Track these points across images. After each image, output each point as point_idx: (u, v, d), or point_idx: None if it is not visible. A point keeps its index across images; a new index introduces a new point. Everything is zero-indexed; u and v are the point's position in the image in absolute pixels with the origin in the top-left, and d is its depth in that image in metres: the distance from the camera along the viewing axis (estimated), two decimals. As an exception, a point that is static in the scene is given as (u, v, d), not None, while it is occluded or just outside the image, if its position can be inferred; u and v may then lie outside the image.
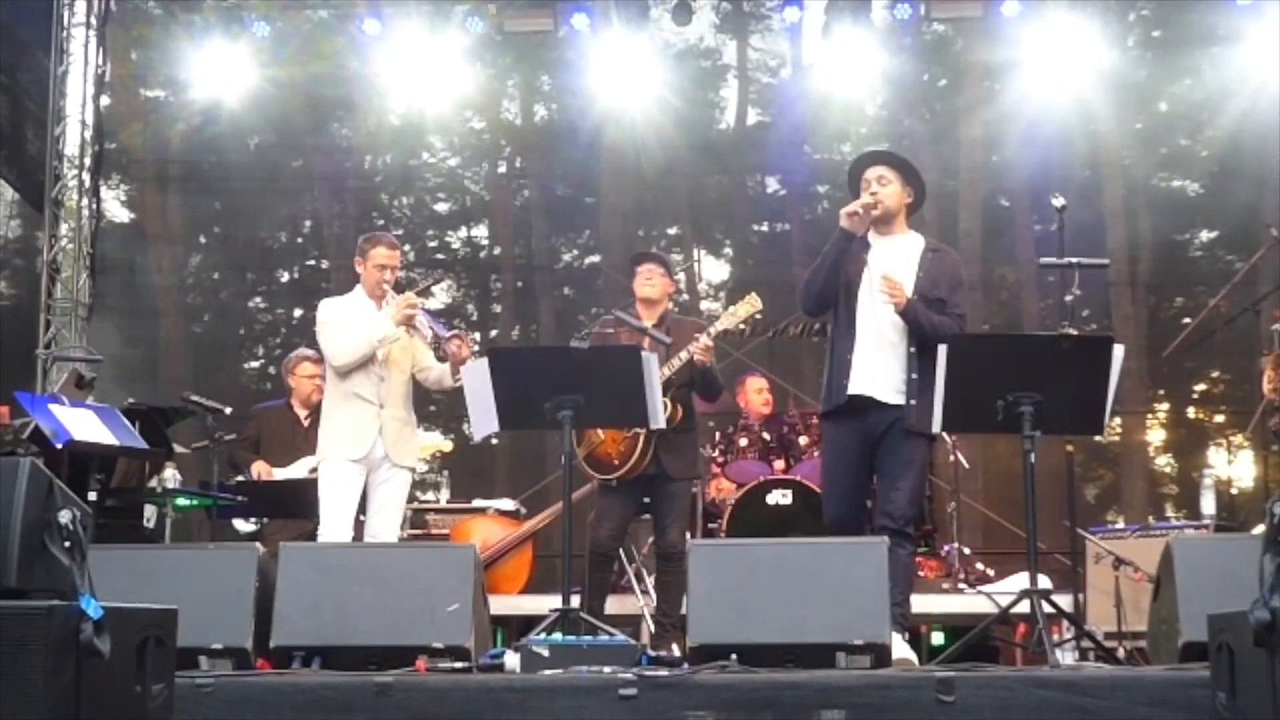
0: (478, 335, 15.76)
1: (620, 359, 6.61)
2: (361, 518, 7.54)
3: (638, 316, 7.72)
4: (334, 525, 7.27)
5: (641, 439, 7.38)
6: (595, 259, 15.40)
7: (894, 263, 6.60)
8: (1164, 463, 17.06)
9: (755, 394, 10.16)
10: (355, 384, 7.42)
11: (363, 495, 7.47)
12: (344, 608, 5.81)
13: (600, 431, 7.55)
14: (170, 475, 8.25)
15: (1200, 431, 16.59)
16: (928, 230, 14.38)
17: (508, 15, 11.86)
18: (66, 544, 3.82)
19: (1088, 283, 7.39)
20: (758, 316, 7.85)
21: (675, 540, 7.64)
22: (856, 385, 6.52)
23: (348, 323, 7.48)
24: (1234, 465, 13.46)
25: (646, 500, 7.85)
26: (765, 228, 16.24)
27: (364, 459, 7.36)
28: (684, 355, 7.45)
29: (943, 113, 15.13)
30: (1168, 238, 15.29)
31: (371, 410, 7.40)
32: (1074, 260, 7.05)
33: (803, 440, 9.73)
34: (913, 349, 6.49)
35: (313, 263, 15.19)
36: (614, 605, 8.24)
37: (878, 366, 6.52)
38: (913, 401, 6.45)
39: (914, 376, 6.46)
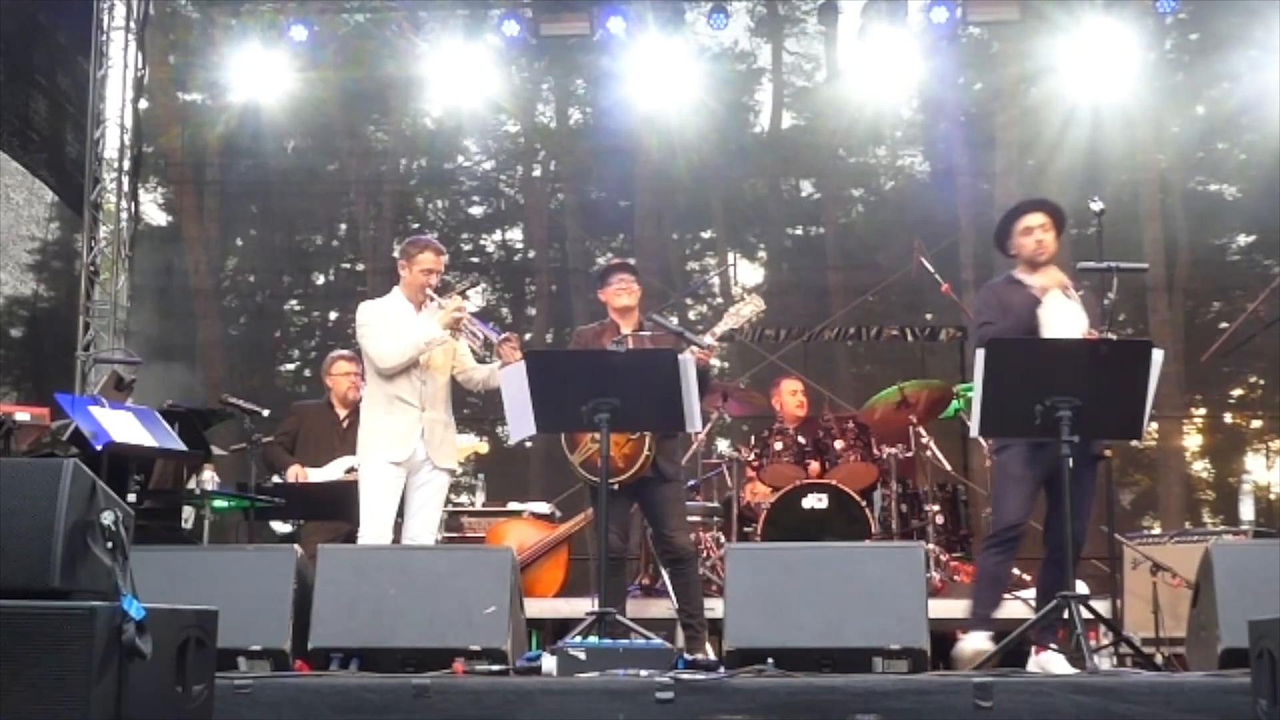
0: (515, 336, 15.79)
1: (657, 362, 6.60)
2: (398, 520, 7.55)
3: (602, 330, 7.68)
4: (374, 527, 7.28)
5: (646, 443, 7.35)
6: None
7: (1062, 303, 6.85)
8: (1201, 468, 16.98)
9: (789, 396, 10.15)
10: (397, 387, 7.42)
11: (400, 497, 7.48)
12: (381, 610, 5.83)
13: (597, 436, 7.52)
14: (208, 477, 8.29)
15: (1238, 436, 16.51)
16: (963, 236, 14.52)
17: (543, 19, 11.88)
18: (109, 545, 3.85)
19: (1124, 287, 7.35)
20: (760, 316, 7.82)
21: (684, 543, 7.61)
22: None
23: (390, 326, 7.50)
24: (1272, 470, 13.39)
25: (634, 506, 7.83)
26: (800, 231, 16.26)
27: (405, 462, 7.38)
28: (693, 350, 7.42)
29: (978, 116, 15.11)
30: (1205, 242, 15.23)
31: (413, 413, 7.41)
32: (1112, 264, 7.01)
33: (838, 444, 9.70)
34: None
35: (348, 265, 15.28)
36: (648, 609, 8.24)
37: None
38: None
39: None
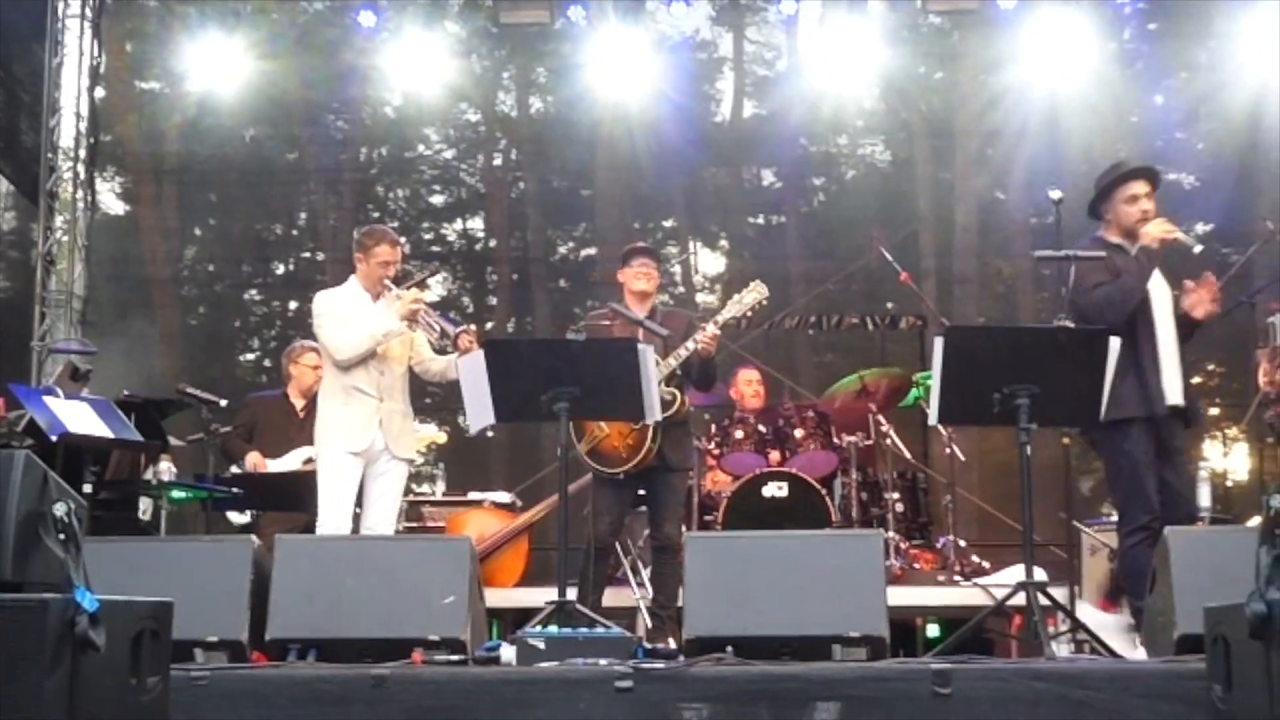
0: (473, 328, 15.74)
1: (616, 352, 6.60)
2: (357, 510, 7.52)
3: (614, 313, 7.72)
4: (333, 517, 7.26)
5: (650, 431, 7.40)
6: (591, 251, 15.41)
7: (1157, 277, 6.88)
8: (1160, 455, 17.03)
9: (746, 385, 10.15)
10: (354, 377, 7.40)
11: (359, 487, 7.45)
12: (339, 600, 5.80)
13: (604, 424, 7.56)
14: (165, 468, 8.21)
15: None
16: (923, 225, 14.55)
17: (503, 7, 11.83)
18: (61, 536, 3.81)
19: (1084, 276, 7.38)
20: (763, 303, 7.85)
21: (672, 533, 7.66)
22: (1173, 395, 6.71)
23: (347, 317, 7.46)
24: (1229, 458, 13.48)
25: (642, 492, 7.87)
26: (761, 220, 16.25)
27: (364, 452, 7.35)
28: (690, 345, 7.48)
29: (939, 106, 15.13)
30: (1164, 230, 15.26)
31: (371, 403, 7.38)
32: (1070, 253, 7.03)
33: (798, 433, 9.71)
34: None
35: (308, 255, 15.21)
36: (609, 598, 8.24)
37: (1174, 373, 6.77)
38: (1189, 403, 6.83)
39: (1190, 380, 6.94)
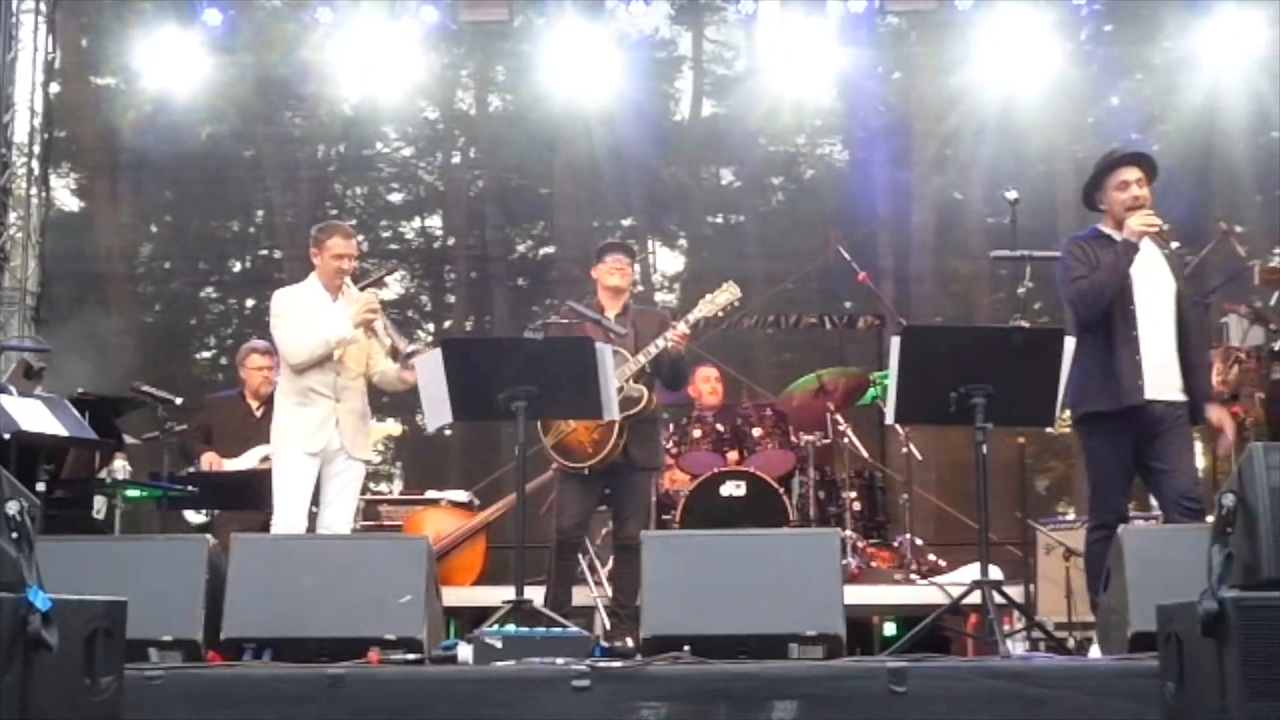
0: (431, 326, 15.72)
1: (574, 350, 6.61)
2: (313, 509, 7.50)
3: (598, 306, 7.72)
4: (288, 517, 7.24)
5: (616, 428, 7.38)
6: (549, 250, 15.37)
7: (1151, 259, 6.70)
8: (1115, 454, 17.15)
9: (703, 383, 10.17)
10: (310, 379, 7.37)
11: (315, 487, 7.43)
12: (296, 599, 5.78)
13: (571, 421, 7.55)
14: (120, 466, 8.17)
15: (1150, 423, 16.69)
16: (881, 225, 14.59)
17: (462, 5, 11.79)
18: (14, 535, 3.78)
19: (1039, 275, 7.43)
20: (736, 304, 7.85)
21: (634, 532, 7.62)
22: (1152, 389, 6.51)
23: (303, 317, 7.43)
24: (1184, 457, 13.55)
25: (607, 491, 7.85)
26: (720, 219, 16.25)
27: (320, 452, 7.33)
28: (660, 343, 7.48)
29: (896, 105, 15.17)
30: (1120, 231, 15.37)
31: (328, 404, 7.36)
32: (1026, 253, 7.07)
33: (756, 431, 9.74)
34: (1179, 341, 6.69)
35: (265, 253, 15.09)
36: (568, 596, 8.23)
37: (1163, 367, 6.58)
38: (1187, 398, 6.64)
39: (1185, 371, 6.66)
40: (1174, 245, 6.85)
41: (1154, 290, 6.64)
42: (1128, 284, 6.55)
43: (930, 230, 14.64)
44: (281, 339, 7.47)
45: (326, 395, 7.37)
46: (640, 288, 14.98)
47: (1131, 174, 6.73)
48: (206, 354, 15.62)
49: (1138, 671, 4.88)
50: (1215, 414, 6.73)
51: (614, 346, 7.24)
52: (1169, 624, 4.24)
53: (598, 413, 6.61)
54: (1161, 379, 6.54)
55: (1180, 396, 6.59)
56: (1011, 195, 7.35)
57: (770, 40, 12.64)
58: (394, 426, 10.63)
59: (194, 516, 9.04)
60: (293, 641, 5.66)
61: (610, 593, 8.09)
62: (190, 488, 8.47)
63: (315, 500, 7.44)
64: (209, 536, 6.25)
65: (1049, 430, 11.25)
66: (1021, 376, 6.05)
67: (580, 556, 8.70)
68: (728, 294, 7.68)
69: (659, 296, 15.23)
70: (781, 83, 13.03)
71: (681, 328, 7.49)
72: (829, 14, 11.71)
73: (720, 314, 8.01)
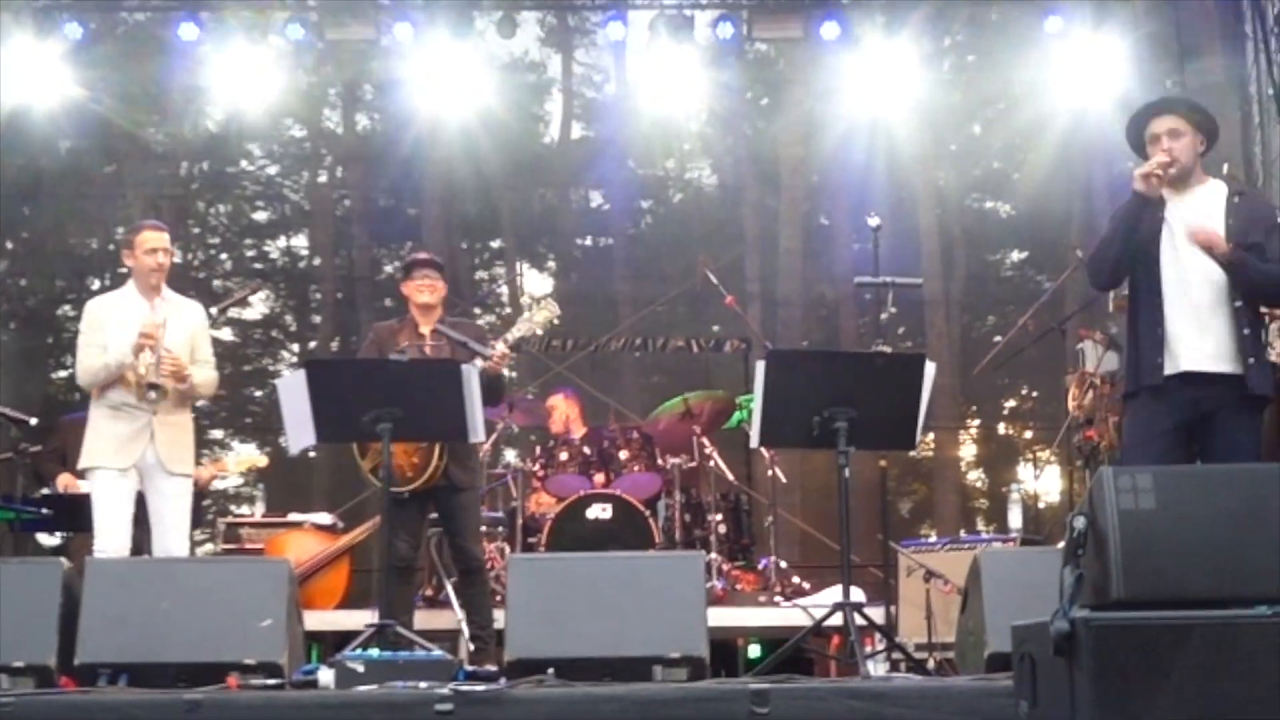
0: (296, 346, 15.57)
1: (440, 373, 6.57)
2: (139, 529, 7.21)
3: (399, 327, 7.61)
4: (110, 539, 6.93)
5: (436, 450, 7.29)
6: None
7: (1197, 217, 5.80)
8: (975, 477, 17.54)
9: (552, 409, 10.22)
10: (121, 392, 7.06)
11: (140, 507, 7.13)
12: (153, 623, 5.66)
13: None
14: (-29, 488, 7.98)
15: (1010, 447, 17.09)
16: (749, 249, 14.73)
17: (329, 23, 11.68)
18: None
19: (903, 301, 7.54)
20: (555, 322, 7.78)
21: (476, 553, 7.59)
22: (1177, 361, 5.75)
23: (107, 329, 7.12)
24: (1041, 480, 13.88)
25: (434, 515, 7.78)
26: (589, 242, 16.35)
27: (133, 467, 7.04)
28: (478, 363, 7.32)
29: (764, 131, 15.37)
30: (980, 258, 15.72)
31: (144, 417, 7.05)
32: (888, 279, 7.17)
33: (623, 454, 9.75)
34: (1238, 303, 5.74)
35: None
36: (431, 620, 8.18)
37: (1197, 335, 5.76)
38: (1251, 360, 5.72)
39: (1246, 332, 5.73)
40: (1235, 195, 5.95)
41: (1189, 251, 5.79)
42: (1153, 244, 5.83)
43: (797, 255, 14.84)
44: (77, 359, 7.18)
45: (141, 408, 7.04)
46: (508, 309, 14.99)
47: (1161, 125, 5.88)
48: (63, 373, 15.30)
49: (994, 691, 4.95)
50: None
51: None
52: (1023, 644, 4.31)
53: (464, 435, 6.57)
54: (1199, 349, 5.75)
55: (1231, 368, 5.73)
56: (874, 221, 7.43)
57: (639, 65, 12.71)
58: (260, 458, 10.41)
59: (48, 539, 8.84)
60: (149, 667, 5.54)
61: (465, 616, 8.00)
62: (44, 510, 8.29)
63: (140, 521, 7.16)
64: (63, 559, 6.10)
65: (911, 454, 11.47)
66: (884, 401, 6.12)
67: (446, 580, 8.65)
68: (546, 312, 7.61)
69: (528, 319, 15.21)
70: (651, 107, 13.11)
71: (500, 347, 7.38)
72: (698, 39, 11.78)
73: (539, 331, 7.89)
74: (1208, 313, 5.76)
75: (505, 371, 7.67)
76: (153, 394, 6.96)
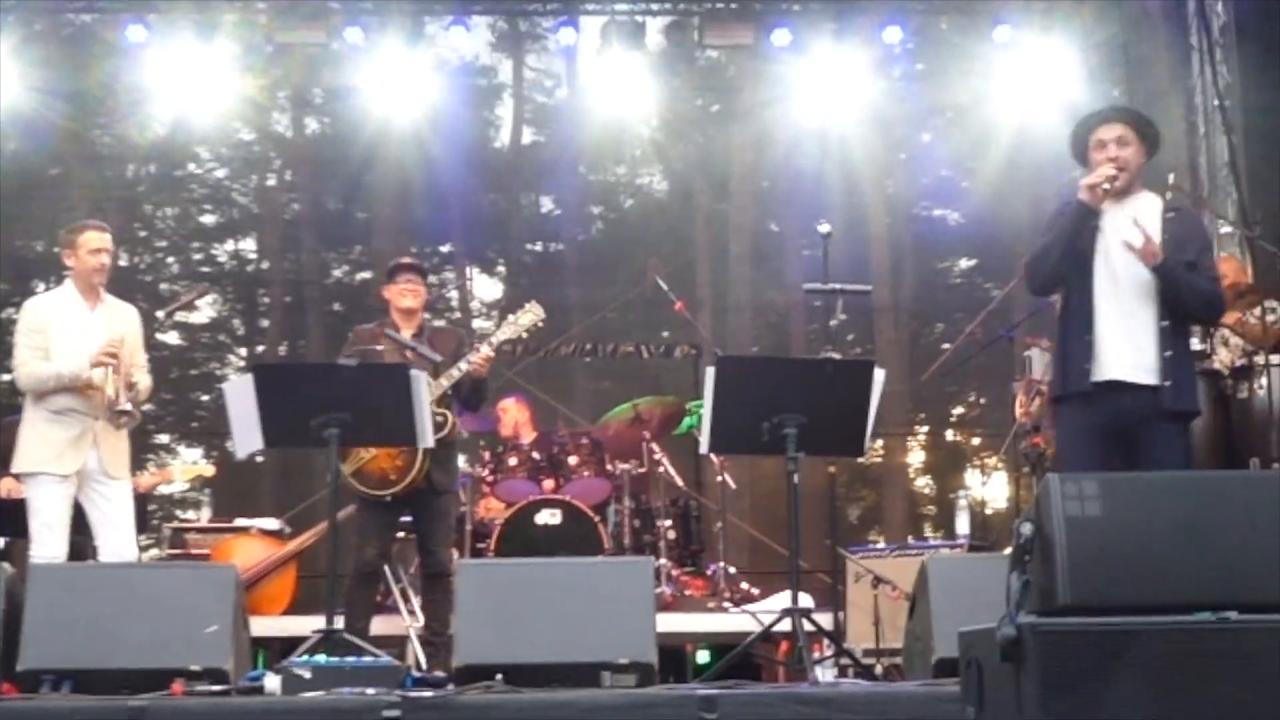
0: (244, 350, 15.48)
1: (389, 377, 6.53)
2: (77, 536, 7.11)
3: (393, 327, 7.61)
4: (48, 546, 6.80)
5: (420, 453, 7.28)
6: (367, 275, 15.27)
7: (1132, 228, 5.80)
8: (923, 484, 17.62)
9: (504, 414, 10.21)
10: (65, 397, 6.93)
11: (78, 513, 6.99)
12: (97, 629, 5.61)
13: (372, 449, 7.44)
14: (-89, 492, 7.88)
15: (958, 453, 17.18)
16: (699, 254, 14.76)
17: (279, 26, 11.61)
18: None
19: (852, 308, 7.56)
20: (540, 325, 7.78)
21: (445, 559, 7.58)
22: (1103, 369, 5.78)
23: (46, 337, 6.96)
24: (988, 486, 13.96)
25: (407, 518, 7.76)
26: (539, 247, 16.34)
27: (74, 474, 6.91)
28: (463, 366, 7.37)
29: (715, 137, 15.40)
30: (929, 265, 15.80)
31: (85, 422, 6.93)
32: (837, 286, 7.18)
33: (572, 460, 9.75)
34: (1165, 323, 5.78)
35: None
36: (379, 626, 8.14)
37: (1125, 345, 5.79)
38: (1168, 383, 5.73)
39: (1168, 354, 5.75)
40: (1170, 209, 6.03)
41: (1131, 260, 5.82)
42: (1088, 252, 5.87)
43: (747, 261, 14.88)
44: (16, 360, 6.97)
45: (84, 412, 6.93)
46: (458, 314, 14.96)
47: (1109, 132, 5.94)
48: (6, 376, 15.14)
49: (941, 696, 4.97)
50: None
51: (419, 371, 7.22)
52: (970, 649, 4.33)
53: (412, 440, 6.54)
54: (1126, 359, 5.79)
55: (1155, 380, 5.76)
56: (824, 228, 7.42)
57: (591, 70, 12.71)
58: (207, 467, 10.28)
59: (-11, 544, 8.73)
60: (93, 673, 5.49)
61: (423, 621, 7.99)
62: (-14, 514, 8.19)
63: (80, 529, 7.05)
64: (5, 564, 6.04)
65: (860, 460, 11.50)
66: (833, 407, 6.13)
67: (394, 585, 8.63)
68: (531, 315, 7.63)
69: (476, 323, 15.25)
70: (602, 112, 13.11)
71: (485, 350, 7.41)
72: (649, 45, 11.80)
73: (524, 335, 7.90)
74: (1137, 323, 5.81)
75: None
76: (124, 419, 6.90)
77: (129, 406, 6.90)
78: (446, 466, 7.60)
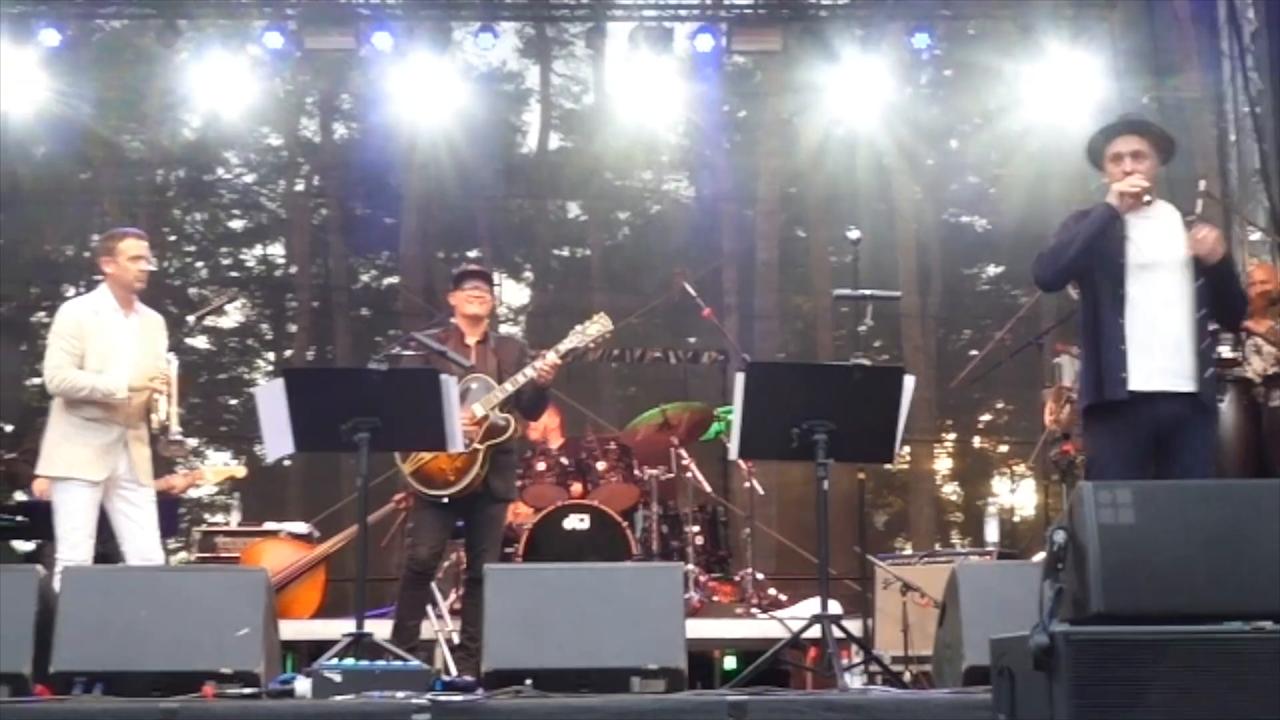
0: (272, 355, 15.52)
1: (418, 382, 6.54)
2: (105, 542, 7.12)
3: (457, 334, 7.60)
4: (76, 549, 6.78)
5: (481, 455, 7.28)
6: (394, 280, 15.30)
7: (1161, 237, 5.93)
8: (951, 491, 17.57)
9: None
10: (96, 405, 6.92)
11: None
12: (129, 632, 5.63)
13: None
14: (-55, 495, 7.93)
15: (985, 461, 17.13)
16: (726, 261, 14.75)
17: (308, 32, 11.64)
18: None
19: (879, 314, 7.53)
20: (607, 336, 7.76)
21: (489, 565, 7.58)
22: (1141, 379, 5.82)
23: (83, 343, 6.97)
24: (1016, 494, 13.93)
25: (460, 523, 7.75)
26: (566, 252, 16.35)
27: (105, 480, 6.90)
28: (528, 372, 7.36)
29: (742, 143, 15.41)
30: (957, 271, 15.77)
31: (115, 430, 6.93)
32: (867, 292, 7.17)
33: (600, 465, 9.75)
34: (1203, 311, 5.88)
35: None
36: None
37: (1160, 354, 5.85)
38: (1206, 374, 5.86)
39: (1204, 344, 5.88)
40: (1188, 217, 6.10)
41: (1160, 268, 5.91)
42: (1120, 262, 5.92)
43: (774, 267, 14.86)
44: (50, 363, 6.95)
45: (115, 421, 6.94)
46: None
47: (1126, 145, 6.04)
48: (37, 380, 15.21)
49: (972, 704, 4.96)
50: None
51: (483, 376, 7.25)
52: (1002, 657, 4.32)
53: (442, 445, 6.54)
54: (1162, 367, 5.84)
55: (1189, 386, 5.84)
56: (854, 234, 7.41)
57: (618, 76, 12.71)
58: (238, 468, 10.31)
59: (22, 545, 8.78)
60: (125, 675, 5.51)
61: (453, 626, 7.98)
62: (19, 517, 8.24)
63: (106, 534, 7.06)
64: (38, 566, 6.07)
65: (888, 466, 11.49)
66: (862, 414, 6.12)
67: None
68: (599, 325, 7.60)
69: (504, 328, 15.22)
70: (629, 118, 13.10)
71: (551, 357, 7.39)
72: (677, 51, 11.80)
73: (592, 345, 7.90)
74: (1170, 332, 5.88)
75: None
76: (174, 448, 6.95)
77: (180, 436, 6.94)
78: (505, 474, 7.56)
